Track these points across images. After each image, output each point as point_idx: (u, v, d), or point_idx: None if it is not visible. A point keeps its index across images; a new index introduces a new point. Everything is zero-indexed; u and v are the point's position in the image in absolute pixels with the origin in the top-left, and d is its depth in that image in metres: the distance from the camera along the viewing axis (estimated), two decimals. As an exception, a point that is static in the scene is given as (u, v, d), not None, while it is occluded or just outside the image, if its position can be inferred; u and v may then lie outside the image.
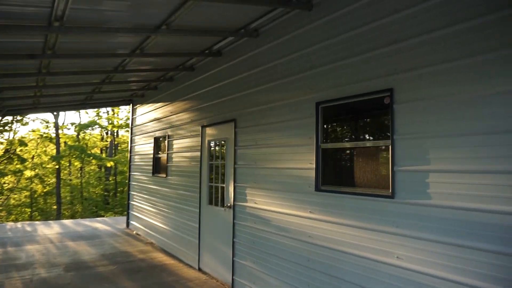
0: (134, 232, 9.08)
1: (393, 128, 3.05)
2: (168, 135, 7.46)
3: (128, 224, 9.81)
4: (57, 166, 17.50)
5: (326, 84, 3.74)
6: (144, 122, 9.04)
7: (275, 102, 4.43)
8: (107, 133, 25.32)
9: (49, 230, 9.41)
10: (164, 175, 7.50)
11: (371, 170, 3.36)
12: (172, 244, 7.00)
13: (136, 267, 6.10)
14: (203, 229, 5.94)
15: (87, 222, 10.83)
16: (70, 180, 22.31)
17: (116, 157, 20.45)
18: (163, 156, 7.80)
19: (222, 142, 5.65)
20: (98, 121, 20.78)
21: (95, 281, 5.39)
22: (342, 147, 3.70)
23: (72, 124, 19.74)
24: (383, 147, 3.24)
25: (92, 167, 23.86)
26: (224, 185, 5.38)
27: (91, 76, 6.59)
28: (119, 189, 20.91)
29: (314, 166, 3.79)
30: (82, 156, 18.49)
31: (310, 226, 3.80)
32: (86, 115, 23.14)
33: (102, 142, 24.99)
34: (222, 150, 5.64)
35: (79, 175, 23.52)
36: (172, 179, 7.20)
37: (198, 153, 6.18)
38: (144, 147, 8.94)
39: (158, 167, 8.09)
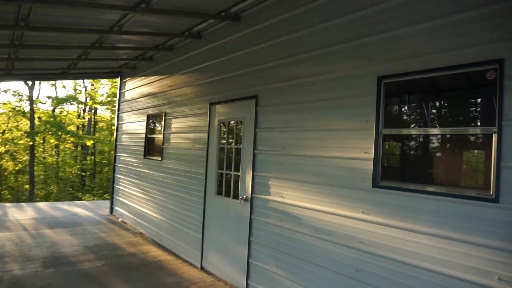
0: (120, 220, 8.17)
1: (501, 112, 2.32)
2: (165, 113, 6.53)
3: (112, 210, 8.87)
4: (31, 143, 16.07)
5: (395, 54, 2.96)
6: (134, 98, 8.03)
7: (316, 75, 3.62)
8: (84, 110, 23.79)
9: (21, 214, 8.35)
10: (159, 158, 6.60)
11: (459, 164, 2.63)
12: (167, 237, 6.17)
13: (128, 264, 5.25)
14: (208, 223, 5.14)
15: (65, 206, 9.79)
16: (44, 158, 20.84)
17: (96, 135, 19.11)
18: (158, 136, 6.87)
19: (238, 122, 4.81)
20: (77, 96, 19.26)
21: (80, 281, 4.53)
22: (415, 133, 2.95)
23: (49, 97, 18.16)
24: (481, 136, 2.51)
25: (68, 145, 22.41)
26: (239, 174, 4.57)
27: (78, 38, 5.55)
28: (97, 170, 19.68)
29: (371, 156, 3.04)
30: (59, 133, 17.09)
31: (362, 230, 3.07)
32: (64, 89, 21.55)
33: (79, 120, 23.46)
34: (239, 132, 4.80)
35: (53, 153, 22.04)
36: (169, 163, 6.31)
37: (205, 135, 5.32)
38: (134, 125, 7.95)
39: (151, 148, 7.17)
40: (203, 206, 5.22)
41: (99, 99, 19.47)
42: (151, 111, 7.17)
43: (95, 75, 8.64)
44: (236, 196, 4.62)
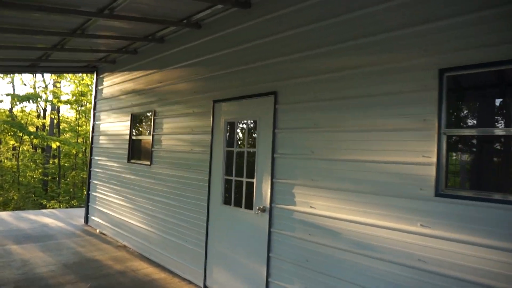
0: (98, 231, 7.33)
1: None
2: (155, 112, 5.85)
3: (87, 219, 7.98)
4: (-14, 145, 14.47)
5: (461, 42, 2.56)
6: (115, 95, 7.24)
7: (356, 68, 3.17)
8: (44, 110, 22.04)
9: (-20, 227, 7.29)
10: (148, 163, 5.91)
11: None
12: (158, 251, 5.49)
13: (118, 285, 4.55)
14: (213, 236, 4.55)
15: (32, 215, 8.74)
16: (0, 161, 19.03)
17: (61, 137, 17.65)
18: (146, 138, 6.17)
19: (250, 123, 4.27)
20: (40, 94, 17.68)
21: (65, 311, 3.80)
22: (486, 134, 2.56)
23: (8, 95, 16.50)
24: None
25: (26, 147, 20.63)
26: (254, 180, 4.03)
27: (57, 22, 4.77)
28: (61, 174, 18.22)
29: (432, 160, 2.63)
30: (19, 134, 15.56)
31: (422, 246, 2.65)
32: (24, 86, 19.81)
33: (39, 120, 21.67)
34: (252, 134, 4.26)
35: (9, 155, 20.20)
36: (160, 168, 5.64)
37: (207, 137, 4.73)
38: (115, 125, 7.16)
39: (137, 152, 6.44)
40: (206, 217, 4.63)
41: (64, 97, 18.03)
42: (136, 109, 6.45)
43: (68, 69, 7.74)
44: (249, 206, 4.07)
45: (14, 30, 4.86)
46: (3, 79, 19.58)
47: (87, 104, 18.81)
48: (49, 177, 18.64)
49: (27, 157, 19.23)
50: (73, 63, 7.32)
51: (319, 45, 3.48)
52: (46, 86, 19.92)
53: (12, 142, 17.20)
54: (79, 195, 17.01)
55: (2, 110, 18.77)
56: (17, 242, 6.25)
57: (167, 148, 5.54)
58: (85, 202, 8.12)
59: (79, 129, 19.22)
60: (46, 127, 21.24)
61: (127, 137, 6.59)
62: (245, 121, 4.31)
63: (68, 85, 17.70)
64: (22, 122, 17.13)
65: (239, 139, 4.43)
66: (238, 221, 4.21)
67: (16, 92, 20.07)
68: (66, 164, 19.61)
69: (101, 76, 7.93)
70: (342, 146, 3.22)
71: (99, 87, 7.98)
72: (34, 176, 17.18)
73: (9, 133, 15.23)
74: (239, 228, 4.19)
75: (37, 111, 21.78)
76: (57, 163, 18.07)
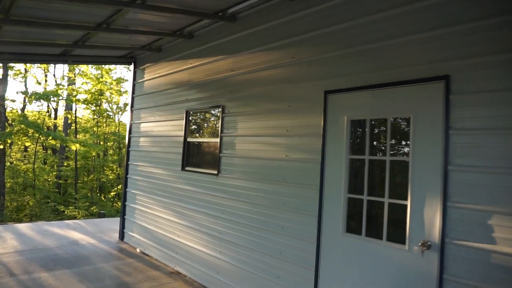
0: (139, 251, 6.13)
1: None
2: (224, 108, 4.65)
3: (122, 235, 6.79)
4: (1, 146, 13.32)
5: None
6: (162, 89, 6.05)
7: None
8: (56, 110, 20.91)
9: (-1, 244, 6.12)
10: (214, 172, 4.70)
11: None
12: (233, 285, 4.27)
13: None
14: (328, 276, 3.32)
15: (56, 228, 7.56)
16: (12, 163, 17.95)
17: (81, 137, 16.52)
18: (209, 141, 4.97)
19: (396, 121, 3.05)
20: (58, 91, 16.52)
21: None
22: None
23: (23, 93, 15.37)
24: None
25: (37, 149, 19.48)
26: (408, 202, 2.80)
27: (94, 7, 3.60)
28: (80, 178, 17.10)
29: None
30: (36, 135, 14.43)
31: None
32: (37, 85, 18.73)
33: (51, 120, 20.53)
34: (399, 136, 3.02)
35: (19, 157, 19.11)
36: (232, 180, 4.43)
37: (314, 140, 3.51)
38: (160, 125, 5.97)
39: (195, 157, 5.24)
40: (316, 248, 3.40)
41: (81, 96, 16.90)
42: (193, 105, 5.25)
43: (103, 60, 6.61)
44: (398, 239, 2.85)
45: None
46: (15, 77, 18.52)
47: (106, 103, 17.72)
48: (64, 181, 17.53)
49: (39, 158, 18.14)
50: (110, 50, 6.13)
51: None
52: (58, 83, 18.78)
53: (28, 144, 16.08)
54: (97, 201, 15.89)
55: (14, 110, 17.73)
56: (47, 267, 5.06)
57: (243, 154, 4.33)
58: (121, 215, 6.93)
59: (97, 130, 18.11)
60: (58, 127, 20.15)
61: (180, 139, 5.39)
62: (385, 119, 3.08)
63: (86, 82, 16.51)
64: (38, 122, 15.98)
65: (374, 144, 3.20)
66: (375, 258, 2.98)
67: (29, 89, 19.00)
68: (81, 167, 18.49)
69: (141, 67, 6.75)
70: None
71: (139, 81, 6.79)
72: (49, 179, 16.04)
73: (27, 134, 14.04)
74: (377, 269, 2.96)
75: (48, 111, 20.61)
76: (72, 166, 16.94)
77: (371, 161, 3.13)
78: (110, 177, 19.30)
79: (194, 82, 5.27)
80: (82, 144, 14.55)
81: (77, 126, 19.60)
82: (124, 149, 19.85)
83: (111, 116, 20.64)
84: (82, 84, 16.37)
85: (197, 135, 5.31)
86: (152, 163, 6.08)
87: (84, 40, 5.13)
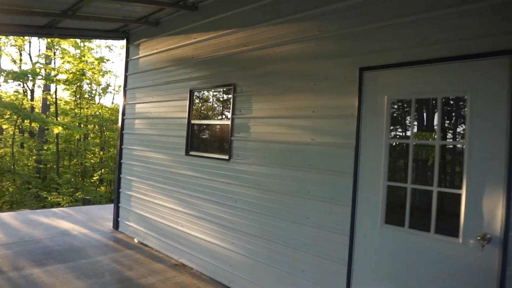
0: (137, 241, 5.73)
1: None
2: (236, 87, 4.23)
3: (117, 224, 6.36)
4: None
5: None
6: (160, 66, 5.54)
7: None
8: (32, 91, 19.68)
9: (-19, 236, 5.58)
10: (225, 157, 4.31)
11: None
12: (248, 279, 3.96)
13: None
14: (362, 274, 3.04)
15: (42, 217, 7.02)
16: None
17: (64, 119, 15.60)
18: (218, 124, 4.56)
19: (447, 100, 2.73)
20: (38, 70, 15.43)
21: None
22: None
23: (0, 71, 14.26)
24: None
25: (11, 131, 18.39)
26: (463, 192, 2.51)
27: None
28: (60, 163, 16.31)
29: None
30: (15, 117, 13.49)
31: None
32: (12, 64, 17.49)
33: (27, 101, 19.31)
34: (451, 118, 2.70)
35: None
36: (246, 165, 4.06)
37: (346, 122, 3.17)
38: (160, 106, 5.49)
39: (201, 141, 4.84)
40: (349, 244, 3.10)
41: (62, 76, 15.89)
42: (198, 84, 4.80)
43: (92, 34, 5.99)
44: (449, 232, 2.57)
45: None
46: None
47: (88, 84, 16.81)
48: (43, 165, 16.69)
49: (16, 142, 17.16)
50: (101, 23, 5.52)
51: None
52: (36, 63, 17.58)
53: (5, 126, 15.09)
54: (81, 186, 15.23)
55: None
56: (39, 262, 4.61)
57: (260, 137, 3.95)
58: (114, 203, 6.47)
59: (80, 111, 17.22)
60: (35, 109, 19.03)
61: (184, 121, 4.95)
62: (434, 99, 2.74)
63: (67, 61, 15.49)
64: (16, 103, 14.98)
65: (420, 127, 2.88)
66: (420, 252, 2.70)
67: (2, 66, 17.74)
68: (65, 150, 17.62)
69: (135, 43, 6.18)
70: None
71: (132, 58, 6.23)
72: (28, 164, 15.21)
73: (6, 116, 13.09)
74: (423, 264, 2.69)
75: (24, 92, 19.35)
76: (52, 150, 16.11)
77: (417, 146, 2.82)
78: (92, 161, 18.57)
79: (199, 58, 4.80)
80: (65, 126, 13.76)
81: (50, 107, 18.53)
82: (106, 132, 19.10)
83: (92, 97, 19.68)
84: (62, 63, 15.34)
85: (204, 117, 4.88)
86: (150, 147, 5.61)
87: (75, 10, 4.54)
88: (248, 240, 4.00)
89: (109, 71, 19.50)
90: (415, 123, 2.84)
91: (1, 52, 17.16)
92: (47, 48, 16.47)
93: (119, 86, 21.27)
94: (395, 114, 2.97)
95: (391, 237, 2.87)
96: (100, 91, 19.95)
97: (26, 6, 4.43)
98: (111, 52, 23.00)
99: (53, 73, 15.55)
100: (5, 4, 4.19)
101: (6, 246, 5.15)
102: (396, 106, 2.94)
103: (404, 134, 2.91)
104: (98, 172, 18.08)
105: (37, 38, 15.03)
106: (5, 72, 13.94)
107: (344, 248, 3.14)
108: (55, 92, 16.27)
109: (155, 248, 5.36)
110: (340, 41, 3.29)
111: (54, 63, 17.12)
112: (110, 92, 20.31)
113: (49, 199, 12.06)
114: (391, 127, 2.95)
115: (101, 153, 18.66)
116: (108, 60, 17.92)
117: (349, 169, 3.14)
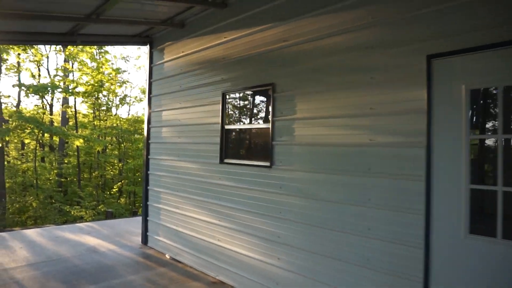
0: (168, 257, 5.39)
1: None
2: (275, 86, 3.87)
3: (146, 239, 6.04)
4: (-1, 144, 12.38)
5: None
6: (188, 70, 5.24)
7: None
8: (51, 105, 19.80)
9: (7, 254, 5.32)
10: (266, 164, 3.94)
11: None
12: (299, 298, 3.56)
13: None
14: (443, 290, 2.60)
15: (68, 232, 6.78)
16: (9, 162, 17.01)
17: (84, 132, 15.58)
18: (257, 128, 4.22)
19: None
20: (57, 83, 15.48)
21: None
22: None
23: (19, 86, 14.34)
24: None
25: (32, 146, 18.48)
26: None
27: None
28: (82, 175, 16.25)
29: None
30: (36, 131, 13.51)
31: None
32: (31, 79, 17.64)
33: (46, 115, 19.43)
34: None
35: (15, 155, 18.13)
36: (291, 172, 3.68)
37: (413, 118, 2.77)
38: (189, 112, 5.18)
39: (236, 148, 4.49)
40: (424, 259, 2.67)
41: (80, 89, 15.87)
42: (231, 86, 4.46)
43: (114, 40, 5.77)
44: None
45: None
46: (8, 72, 17.45)
47: (104, 96, 16.78)
48: (64, 179, 16.66)
49: (37, 156, 17.21)
50: (124, 26, 5.25)
51: None
52: (54, 74, 17.64)
53: (27, 141, 15.11)
54: (103, 198, 15.11)
55: (8, 107, 16.69)
56: (69, 284, 4.30)
57: (306, 140, 3.57)
58: (143, 216, 6.16)
59: (99, 123, 17.17)
60: (54, 123, 19.12)
61: (216, 126, 4.62)
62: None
63: (85, 72, 15.46)
64: (37, 117, 15.00)
65: (509, 118, 2.45)
66: (523, 271, 2.26)
67: (25, 81, 17.91)
68: (87, 163, 17.56)
69: (158, 47, 5.91)
70: None
71: (156, 63, 5.96)
72: (50, 178, 15.18)
73: (27, 130, 13.04)
74: (528, 285, 2.24)
75: (43, 106, 19.46)
76: (73, 163, 16.08)
77: (508, 142, 2.39)
78: (112, 172, 18.49)
79: (231, 58, 4.47)
80: (86, 139, 13.67)
81: (70, 121, 18.57)
82: (125, 143, 19.00)
83: (110, 109, 19.69)
84: (81, 75, 15.30)
85: (239, 121, 4.53)
86: (179, 157, 5.30)
87: (98, 13, 4.28)
88: (296, 254, 3.60)
89: (127, 81, 19.43)
90: (505, 115, 2.41)
91: (21, 67, 17.34)
92: (65, 61, 16.54)
93: (135, 97, 21.31)
94: (475, 106, 2.55)
95: (479, 250, 2.44)
96: (118, 102, 19.98)
97: (44, 11, 4.19)
98: (127, 63, 22.99)
99: (71, 86, 15.54)
100: (19, 9, 3.94)
101: (34, 266, 4.88)
102: (477, 97, 2.52)
103: (489, 128, 2.48)
104: (118, 184, 17.98)
105: (59, 46, 14.90)
106: (26, 87, 13.96)
107: (417, 264, 2.71)
108: (74, 104, 16.24)
109: (190, 265, 5.01)
110: (400, 27, 2.90)
111: (73, 75, 17.18)
112: (127, 103, 20.23)
113: (72, 213, 11.92)
114: (472, 122, 2.53)
115: (120, 164, 18.57)
116: (124, 71, 17.85)
117: (419, 172, 2.73)
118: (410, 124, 2.80)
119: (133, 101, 21.05)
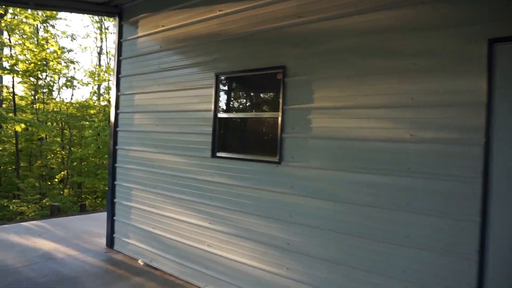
0: (142, 263, 4.69)
1: None
2: (287, 69, 3.34)
3: (112, 241, 5.25)
4: None
5: None
6: (169, 47, 4.50)
7: None
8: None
9: None
10: (274, 159, 3.41)
11: None
12: (314, 313, 3.12)
13: None
14: (500, 308, 2.30)
15: (13, 234, 5.70)
16: None
17: (24, 116, 13.68)
18: (262, 117, 3.65)
19: None
20: None
21: None
22: None
23: None
24: None
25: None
26: None
27: None
28: (22, 164, 14.43)
29: None
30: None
31: None
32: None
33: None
34: None
35: None
36: (304, 170, 3.20)
37: (466, 112, 2.42)
38: (171, 97, 4.46)
39: (234, 140, 3.91)
40: (478, 273, 2.34)
41: (18, 68, 13.91)
42: (227, 67, 3.84)
43: (75, 6, 4.78)
44: None
45: None
46: None
47: (49, 75, 14.98)
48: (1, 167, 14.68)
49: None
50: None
51: None
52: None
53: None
54: (47, 191, 13.54)
55: None
56: (23, 303, 3.47)
57: (325, 133, 3.10)
58: (108, 215, 5.34)
59: (43, 107, 15.34)
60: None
61: (208, 114, 3.98)
62: None
63: (22, 49, 13.57)
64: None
65: None
66: None
67: None
68: (28, 150, 15.59)
69: (131, 19, 5.06)
70: None
71: (128, 38, 5.11)
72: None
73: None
74: None
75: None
76: (10, 150, 14.20)
77: None
78: (54, 161, 16.73)
79: (228, 35, 3.84)
80: (28, 124, 12.03)
81: (15, 103, 16.38)
82: (68, 130, 17.25)
83: (51, 91, 17.70)
84: (22, 50, 13.39)
85: (237, 109, 3.94)
86: (157, 148, 4.58)
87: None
88: (310, 264, 3.15)
89: (75, 61, 17.62)
90: None
91: None
92: (0, 32, 14.45)
93: (80, 80, 19.41)
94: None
95: (550, 264, 2.15)
96: (61, 85, 18.05)
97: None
98: (73, 42, 20.91)
99: (8, 63, 13.58)
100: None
101: (-26, 281, 3.93)
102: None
103: None
104: (61, 174, 16.34)
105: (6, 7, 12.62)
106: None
107: (470, 279, 2.38)
108: (13, 85, 14.26)
109: (169, 272, 4.36)
110: (452, 5, 2.51)
111: (10, 50, 15.10)
112: (72, 87, 18.33)
113: (11, 208, 10.46)
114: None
115: (63, 152, 16.86)
116: (70, 50, 16.08)
117: (473, 173, 2.39)
118: (463, 118, 2.44)
119: (79, 85, 19.19)
